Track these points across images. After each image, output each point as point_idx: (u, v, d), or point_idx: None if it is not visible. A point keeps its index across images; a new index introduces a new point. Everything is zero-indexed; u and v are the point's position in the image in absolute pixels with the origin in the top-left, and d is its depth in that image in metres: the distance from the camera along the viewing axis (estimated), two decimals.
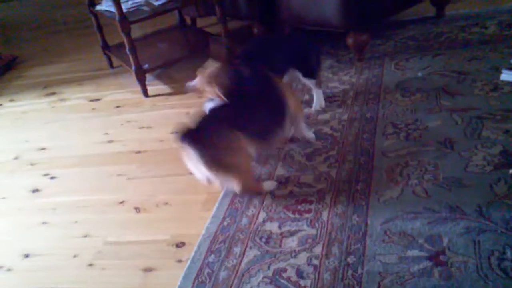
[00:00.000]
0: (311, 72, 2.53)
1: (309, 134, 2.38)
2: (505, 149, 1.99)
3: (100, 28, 3.63)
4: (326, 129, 2.44)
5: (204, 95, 2.18)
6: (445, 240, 1.65)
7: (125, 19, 3.02)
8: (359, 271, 1.62)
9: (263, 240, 1.86)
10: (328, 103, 2.65)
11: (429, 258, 1.60)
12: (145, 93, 3.27)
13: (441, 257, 1.59)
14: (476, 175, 1.90)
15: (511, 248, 1.57)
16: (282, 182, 2.15)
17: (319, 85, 2.60)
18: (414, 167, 2.03)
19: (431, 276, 1.54)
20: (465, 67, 2.66)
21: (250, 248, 1.84)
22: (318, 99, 2.62)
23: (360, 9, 2.88)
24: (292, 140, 2.38)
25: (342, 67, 3.02)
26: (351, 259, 1.68)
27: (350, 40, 2.98)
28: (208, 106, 2.13)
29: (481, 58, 2.71)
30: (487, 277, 1.50)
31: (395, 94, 2.58)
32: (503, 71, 2.46)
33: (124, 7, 3.10)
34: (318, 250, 1.75)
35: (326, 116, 2.55)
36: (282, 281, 1.66)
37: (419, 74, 2.72)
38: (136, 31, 3.52)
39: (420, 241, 1.67)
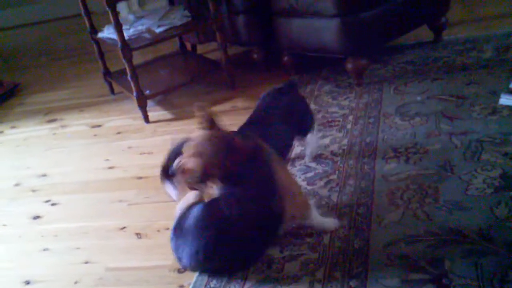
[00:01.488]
0: (307, 131, 2.35)
1: (330, 223, 1.97)
2: (505, 172, 2.01)
3: (101, 55, 3.67)
4: (326, 154, 2.45)
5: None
6: (447, 263, 1.65)
7: (127, 46, 3.05)
8: None
9: (265, 264, 1.86)
10: (328, 128, 2.66)
11: (432, 281, 1.60)
12: (146, 119, 3.29)
13: (444, 280, 1.59)
14: (477, 198, 1.91)
15: None
16: None
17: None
18: (415, 191, 2.04)
19: None
20: (464, 91, 2.69)
21: (252, 272, 1.83)
22: (312, 146, 2.43)
23: (358, 35, 2.92)
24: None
25: (341, 92, 3.05)
26: (353, 283, 1.67)
27: (349, 65, 3.01)
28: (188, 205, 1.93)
29: (479, 82, 2.74)
30: None
31: (394, 118, 2.60)
32: (502, 95, 2.48)
33: (126, 34, 3.15)
34: (320, 274, 1.75)
35: (326, 140, 2.56)
36: None
37: (418, 98, 2.74)
38: (137, 58, 3.56)
39: (422, 264, 1.67)
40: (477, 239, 1.71)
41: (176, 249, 1.85)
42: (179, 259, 1.85)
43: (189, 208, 1.88)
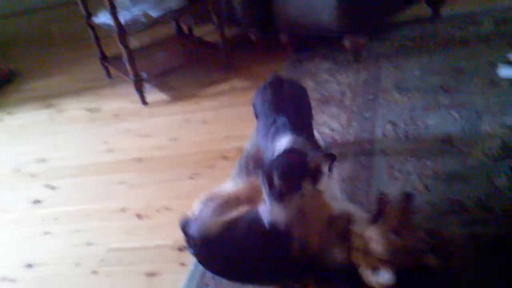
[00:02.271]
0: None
1: None
2: (504, 142, 2.00)
3: (97, 40, 3.64)
4: (326, 130, 2.44)
5: None
6: (446, 233, 1.65)
7: (123, 31, 3.03)
8: None
9: None
10: (327, 105, 2.65)
11: (432, 251, 1.60)
12: (144, 101, 3.27)
13: (444, 250, 1.59)
14: (476, 169, 1.91)
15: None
16: None
17: None
18: (414, 164, 2.03)
19: (435, 269, 1.55)
20: (462, 64, 2.67)
21: None
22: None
23: (356, 12, 2.89)
24: None
25: (339, 69, 3.03)
26: None
27: (346, 43, 2.99)
28: None
29: (477, 55, 2.72)
30: (489, 268, 1.51)
31: (393, 94, 2.59)
32: (500, 67, 2.47)
33: (122, 18, 3.11)
34: None
35: (325, 117, 2.55)
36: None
37: (416, 72, 2.73)
38: (134, 41, 3.53)
39: (422, 234, 1.67)
40: (476, 209, 1.72)
41: (203, 256, 1.77)
42: (199, 262, 1.80)
43: (234, 221, 1.72)
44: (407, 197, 1.57)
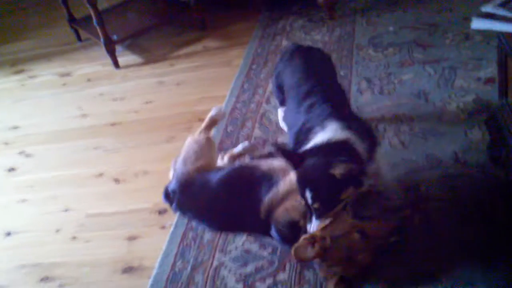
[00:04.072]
0: None
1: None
2: (478, 96, 2.02)
3: (65, 1, 3.53)
4: None
5: None
6: (423, 188, 1.68)
7: None
8: None
9: None
10: None
11: (409, 206, 1.63)
12: (116, 64, 3.20)
13: (420, 204, 1.62)
14: (451, 124, 1.93)
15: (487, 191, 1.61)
16: (260, 143, 2.15)
17: None
18: (390, 120, 2.05)
19: (412, 222, 1.58)
20: (436, 19, 2.67)
21: None
22: None
23: None
24: None
25: (313, 27, 3.00)
26: None
27: None
28: None
29: (451, 9, 2.71)
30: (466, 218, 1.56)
31: (367, 50, 2.58)
32: (473, 19, 2.47)
33: None
34: None
35: None
36: (265, 239, 1.68)
37: (391, 28, 2.71)
38: (103, 2, 3.44)
39: (400, 190, 1.69)
40: (452, 163, 1.74)
41: (183, 203, 1.81)
42: (181, 211, 1.85)
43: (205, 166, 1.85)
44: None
